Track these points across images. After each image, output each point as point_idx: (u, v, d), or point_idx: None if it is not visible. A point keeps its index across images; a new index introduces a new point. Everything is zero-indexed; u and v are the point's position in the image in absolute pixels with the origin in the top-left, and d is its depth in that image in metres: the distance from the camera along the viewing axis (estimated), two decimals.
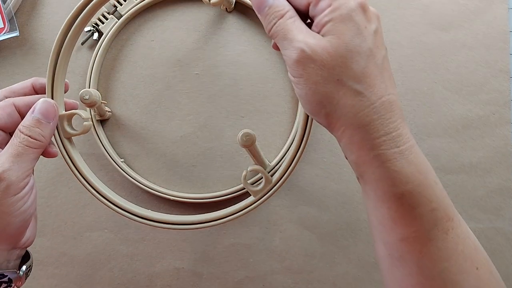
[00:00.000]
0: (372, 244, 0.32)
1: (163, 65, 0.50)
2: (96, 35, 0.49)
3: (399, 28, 0.48)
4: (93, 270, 0.50)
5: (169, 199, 0.49)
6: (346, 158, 0.29)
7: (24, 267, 0.33)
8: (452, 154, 0.48)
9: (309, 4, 0.27)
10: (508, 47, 0.47)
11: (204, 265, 0.50)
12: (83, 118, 0.36)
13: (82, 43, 0.50)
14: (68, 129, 0.36)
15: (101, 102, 0.45)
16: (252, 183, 0.47)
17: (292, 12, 0.27)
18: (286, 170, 0.37)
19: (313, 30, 0.27)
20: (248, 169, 0.37)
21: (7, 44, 0.50)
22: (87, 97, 0.38)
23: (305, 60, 0.25)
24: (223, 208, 0.49)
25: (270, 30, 0.27)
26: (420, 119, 0.48)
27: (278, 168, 0.39)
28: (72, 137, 0.37)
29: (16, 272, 0.32)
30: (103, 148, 0.49)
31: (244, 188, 0.48)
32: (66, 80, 0.37)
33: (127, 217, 0.39)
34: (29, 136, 0.31)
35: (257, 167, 0.37)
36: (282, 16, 0.27)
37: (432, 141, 0.48)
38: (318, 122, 0.29)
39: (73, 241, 0.50)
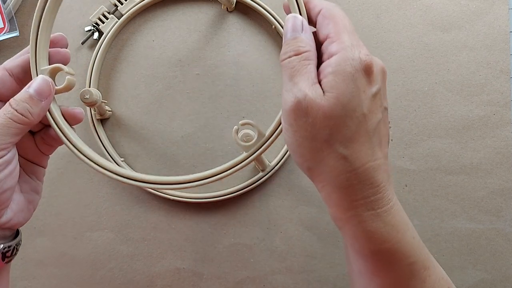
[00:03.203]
0: None
1: (164, 65, 0.50)
2: (96, 34, 0.49)
3: (400, 28, 0.48)
4: (94, 270, 0.50)
5: (169, 199, 0.49)
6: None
7: (0, 246, 0.31)
8: (453, 154, 0.48)
9: (326, 39, 0.27)
10: (508, 47, 0.47)
11: (204, 265, 0.50)
12: (66, 72, 0.33)
13: (82, 43, 0.50)
14: None
15: (102, 102, 0.45)
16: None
17: (311, 54, 0.27)
18: (279, 124, 0.34)
19: (318, 73, 0.27)
20: (240, 123, 0.35)
21: (7, 44, 0.50)
22: (87, 96, 0.37)
23: (299, 112, 0.26)
24: (223, 209, 0.50)
25: (283, 60, 0.28)
26: (421, 120, 0.48)
27: (270, 124, 0.36)
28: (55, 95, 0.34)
29: None
30: (103, 148, 0.49)
31: (244, 188, 0.48)
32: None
33: (121, 181, 0.35)
34: (16, 110, 0.30)
35: (249, 120, 0.35)
36: (299, 53, 0.27)
37: (433, 142, 0.48)
38: (300, 169, 0.29)
39: (73, 241, 0.50)
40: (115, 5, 0.49)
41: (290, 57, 0.27)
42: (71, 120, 0.34)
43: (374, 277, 0.27)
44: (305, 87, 0.26)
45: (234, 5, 0.49)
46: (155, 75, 0.50)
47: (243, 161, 0.35)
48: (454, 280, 0.48)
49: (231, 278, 0.50)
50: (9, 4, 0.48)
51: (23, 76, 0.33)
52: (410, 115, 0.48)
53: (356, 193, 0.26)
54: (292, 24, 0.28)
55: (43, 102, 0.31)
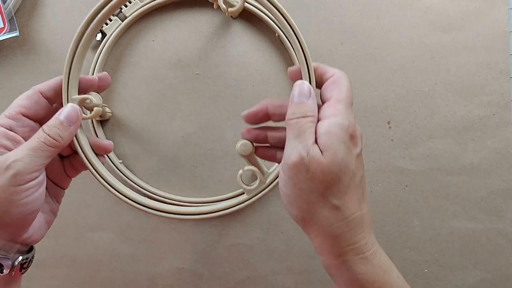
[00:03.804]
0: None
1: (164, 66, 0.50)
2: (99, 36, 0.49)
3: (400, 29, 0.48)
4: (95, 271, 0.50)
5: (166, 202, 0.48)
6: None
7: (20, 257, 0.34)
8: (453, 155, 0.48)
9: (327, 100, 0.32)
10: (508, 48, 0.48)
11: (205, 266, 0.50)
12: (94, 104, 0.37)
13: None
14: None
15: (103, 105, 0.45)
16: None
17: (315, 119, 0.31)
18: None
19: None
20: (244, 169, 0.39)
21: (7, 44, 0.50)
22: (88, 101, 0.37)
23: (301, 167, 0.29)
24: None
25: (291, 119, 0.31)
26: (421, 120, 0.48)
27: (272, 172, 0.41)
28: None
29: (8, 258, 0.33)
30: None
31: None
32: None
33: (123, 200, 0.40)
34: (48, 135, 0.33)
35: (253, 167, 0.39)
36: (306, 116, 0.31)
37: (433, 142, 0.48)
38: (294, 220, 0.33)
39: (75, 242, 0.50)
40: (119, 7, 0.49)
41: (298, 118, 0.31)
42: (100, 150, 0.39)
43: None
44: (308, 146, 0.29)
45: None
46: (156, 75, 0.50)
47: (244, 202, 0.40)
48: (455, 279, 0.48)
49: (232, 279, 0.50)
50: (9, 4, 0.47)
51: (55, 98, 0.36)
52: (411, 116, 0.48)
53: (347, 239, 0.30)
54: (300, 90, 0.32)
55: (71, 127, 0.34)
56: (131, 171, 0.50)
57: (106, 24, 0.49)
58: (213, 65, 0.49)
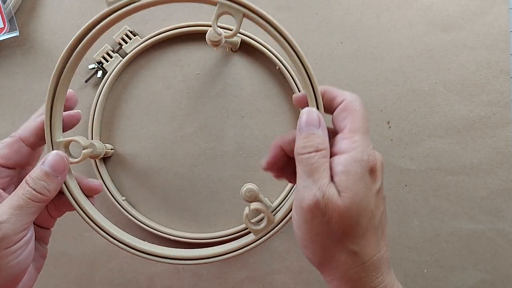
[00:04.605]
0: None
1: (164, 66, 0.49)
2: (100, 73, 0.49)
3: (400, 28, 0.48)
4: (93, 270, 0.50)
5: (170, 239, 0.49)
6: None
7: None
8: (453, 154, 0.48)
9: (341, 130, 0.29)
10: (509, 47, 0.47)
11: (204, 265, 0.50)
12: (82, 146, 0.34)
13: (86, 81, 0.49)
14: None
15: (105, 150, 0.45)
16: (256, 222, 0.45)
17: (328, 152, 0.28)
18: (289, 211, 0.36)
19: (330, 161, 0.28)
20: (251, 207, 0.36)
21: (7, 44, 0.50)
22: (90, 149, 0.36)
23: (317, 211, 0.27)
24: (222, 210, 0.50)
25: (302, 154, 0.28)
26: (421, 120, 0.48)
27: (281, 208, 0.39)
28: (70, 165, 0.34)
29: None
30: (104, 187, 0.49)
31: (247, 228, 0.47)
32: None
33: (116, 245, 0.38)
34: (33, 189, 0.30)
35: (260, 206, 0.36)
36: (318, 151, 0.28)
37: (433, 142, 0.48)
38: (310, 262, 0.30)
39: (73, 241, 0.50)
40: (120, 44, 0.48)
41: (310, 152, 0.28)
42: (89, 192, 0.35)
43: None
44: (323, 186, 0.27)
45: (238, 45, 0.49)
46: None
47: (251, 243, 0.37)
48: (455, 280, 0.48)
49: (231, 278, 0.50)
50: (9, 4, 0.48)
51: (38, 143, 0.33)
52: (410, 115, 0.48)
53: (364, 284, 0.28)
54: (308, 118, 0.29)
55: (59, 177, 0.31)
56: (133, 206, 0.50)
57: (107, 61, 0.48)
58: (213, 64, 0.49)
